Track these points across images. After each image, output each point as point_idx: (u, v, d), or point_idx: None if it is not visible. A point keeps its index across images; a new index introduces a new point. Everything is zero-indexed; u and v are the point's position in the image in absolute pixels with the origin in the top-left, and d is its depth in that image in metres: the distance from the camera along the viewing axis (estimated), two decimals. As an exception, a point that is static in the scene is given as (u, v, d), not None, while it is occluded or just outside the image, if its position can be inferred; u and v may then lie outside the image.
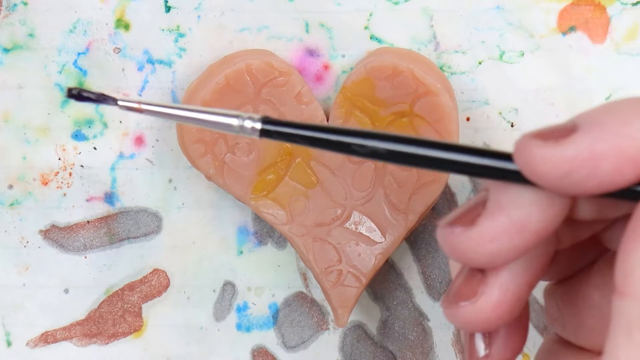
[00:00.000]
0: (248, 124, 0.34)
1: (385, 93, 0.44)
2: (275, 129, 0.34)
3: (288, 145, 0.44)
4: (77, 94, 0.35)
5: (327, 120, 0.44)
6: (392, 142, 0.33)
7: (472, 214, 0.33)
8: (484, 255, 0.32)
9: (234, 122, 0.34)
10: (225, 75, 0.44)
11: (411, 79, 0.43)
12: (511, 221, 0.32)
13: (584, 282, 0.35)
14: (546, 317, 0.37)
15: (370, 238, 0.44)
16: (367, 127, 0.44)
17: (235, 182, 0.44)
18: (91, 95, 0.35)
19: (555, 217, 0.32)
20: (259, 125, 0.34)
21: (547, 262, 0.34)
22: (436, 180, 0.44)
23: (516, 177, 0.32)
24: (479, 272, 0.34)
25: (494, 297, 0.33)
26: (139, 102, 0.34)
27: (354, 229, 0.45)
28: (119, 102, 0.34)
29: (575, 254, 0.36)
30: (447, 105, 0.43)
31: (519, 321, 0.35)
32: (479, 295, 0.33)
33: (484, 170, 0.32)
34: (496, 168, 0.32)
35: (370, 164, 0.44)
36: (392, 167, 0.44)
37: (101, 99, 0.35)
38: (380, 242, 0.44)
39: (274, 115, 0.44)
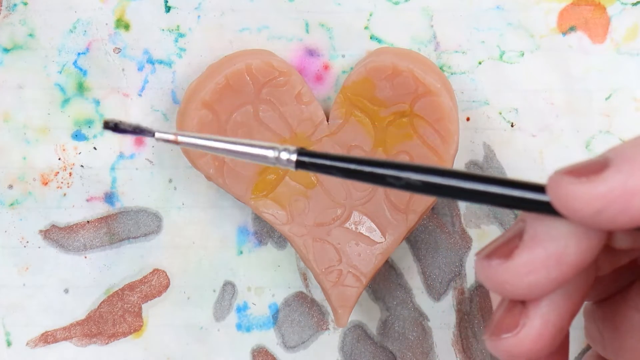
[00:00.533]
0: (284, 155, 0.34)
1: (385, 93, 0.44)
2: (310, 161, 0.34)
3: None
4: (114, 126, 0.36)
5: (327, 120, 0.44)
6: (427, 174, 0.33)
7: (509, 247, 0.33)
8: (522, 288, 0.32)
9: (270, 153, 0.35)
10: (225, 75, 0.44)
11: (411, 79, 0.43)
12: (548, 254, 0.32)
13: (622, 302, 0.35)
14: (586, 337, 0.37)
15: (370, 238, 0.44)
16: (367, 127, 0.44)
17: (235, 182, 0.44)
18: (128, 128, 0.36)
19: (592, 248, 0.32)
20: (294, 157, 0.34)
21: (587, 290, 0.34)
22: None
23: (552, 210, 0.32)
24: (519, 303, 0.34)
25: (535, 328, 0.33)
26: (176, 134, 0.35)
27: (354, 229, 0.44)
28: (156, 135, 0.35)
29: (614, 277, 0.36)
30: (447, 105, 0.43)
31: (559, 349, 0.35)
32: (521, 327, 0.33)
33: (520, 202, 0.32)
34: (533, 200, 0.32)
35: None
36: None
37: (138, 131, 0.36)
38: (380, 242, 0.44)
39: (274, 115, 0.44)
